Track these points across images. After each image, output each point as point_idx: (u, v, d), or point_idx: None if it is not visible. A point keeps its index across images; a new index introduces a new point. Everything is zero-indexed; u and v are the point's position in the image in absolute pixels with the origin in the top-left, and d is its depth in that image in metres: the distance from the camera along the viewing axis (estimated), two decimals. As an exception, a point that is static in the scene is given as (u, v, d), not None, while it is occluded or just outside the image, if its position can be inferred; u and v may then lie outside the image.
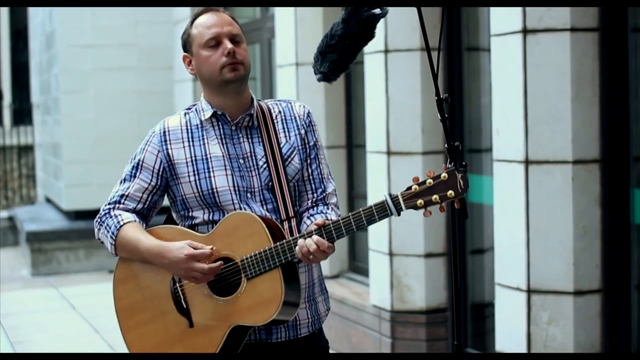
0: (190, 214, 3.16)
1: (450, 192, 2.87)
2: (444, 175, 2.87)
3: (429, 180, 2.90)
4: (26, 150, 16.51)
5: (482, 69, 6.00)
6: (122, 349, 7.57)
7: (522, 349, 5.06)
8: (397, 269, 6.28)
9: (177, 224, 3.24)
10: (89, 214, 11.58)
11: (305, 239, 2.96)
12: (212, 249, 3.04)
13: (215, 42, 3.10)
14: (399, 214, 2.92)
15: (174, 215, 3.27)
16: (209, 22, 3.12)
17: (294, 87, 7.49)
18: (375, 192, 6.39)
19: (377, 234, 6.41)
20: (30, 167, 16.42)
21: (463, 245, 6.04)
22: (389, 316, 6.34)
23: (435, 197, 2.88)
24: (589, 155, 4.95)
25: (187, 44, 3.18)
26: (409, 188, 2.92)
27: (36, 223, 11.94)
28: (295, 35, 7.42)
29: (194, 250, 3.01)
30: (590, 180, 4.95)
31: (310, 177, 3.23)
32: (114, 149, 11.55)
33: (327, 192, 3.24)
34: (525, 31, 4.93)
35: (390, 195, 2.93)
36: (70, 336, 7.97)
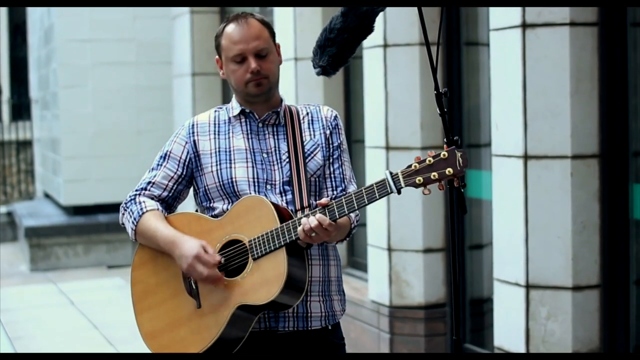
0: (211, 204, 3.25)
1: (449, 170, 2.91)
2: (443, 153, 2.92)
3: (429, 159, 2.93)
4: (25, 145, 16.49)
5: (481, 64, 6.00)
6: (121, 344, 7.57)
7: (520, 344, 5.06)
8: (395, 264, 6.28)
9: None
10: (88, 209, 11.60)
11: (308, 217, 3.02)
12: (220, 259, 3.12)
13: (240, 59, 3.18)
14: (399, 192, 2.96)
15: (197, 209, 3.35)
16: (235, 36, 3.18)
17: (293, 82, 7.48)
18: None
19: (375, 229, 6.40)
20: (29, 162, 16.41)
21: (462, 241, 6.04)
22: (388, 311, 6.34)
23: (434, 174, 2.92)
24: (588, 150, 4.94)
25: (218, 49, 3.27)
26: (409, 166, 2.95)
27: (35, 218, 11.93)
28: (294, 30, 7.41)
29: (203, 252, 3.10)
30: (589, 175, 4.95)
31: (332, 176, 3.30)
32: (112, 144, 11.55)
33: (348, 192, 3.26)
34: (524, 26, 4.93)
35: (390, 172, 2.95)
36: (68, 332, 7.96)
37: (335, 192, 3.28)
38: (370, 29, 3.10)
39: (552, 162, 4.93)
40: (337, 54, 3.12)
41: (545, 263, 4.97)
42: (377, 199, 2.99)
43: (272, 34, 3.26)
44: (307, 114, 3.32)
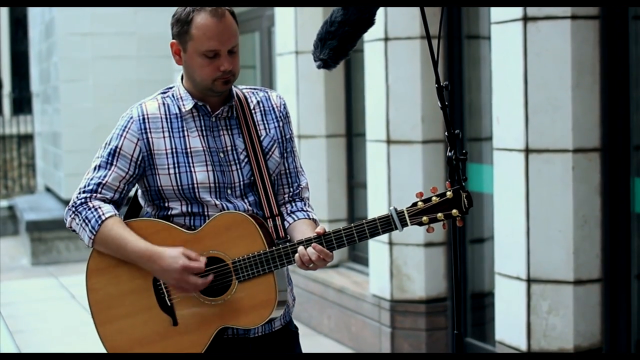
0: (165, 204, 3.08)
1: (455, 211, 2.90)
2: (449, 193, 2.89)
3: (434, 198, 2.91)
4: (26, 139, 16.49)
5: (482, 57, 5.98)
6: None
7: (522, 338, 5.05)
8: (396, 258, 6.27)
9: (140, 209, 3.18)
10: (89, 203, 11.57)
11: (305, 247, 2.94)
12: (204, 263, 2.97)
13: (213, 55, 2.99)
14: (402, 229, 2.94)
15: (142, 202, 3.18)
16: (211, 31, 2.97)
17: (294, 75, 7.47)
18: (375, 181, 6.37)
19: (376, 223, 6.39)
20: (30, 156, 16.41)
21: (463, 235, 6.03)
22: (389, 305, 6.34)
23: (439, 215, 2.91)
24: (589, 143, 4.93)
25: (181, 35, 3.05)
26: (414, 204, 2.92)
27: (36, 212, 11.93)
28: (295, 23, 7.40)
29: (189, 261, 2.95)
30: (590, 169, 4.94)
31: (287, 171, 3.20)
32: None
33: (302, 187, 3.23)
34: (525, 19, 4.91)
35: (395, 210, 2.92)
36: (70, 325, 7.96)
37: (291, 189, 3.19)
38: (371, 22, 3.08)
39: (554, 156, 4.92)
40: (338, 47, 3.09)
41: (547, 257, 4.97)
42: (380, 234, 2.95)
43: (238, 26, 3.08)
44: (258, 102, 3.16)
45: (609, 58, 4.90)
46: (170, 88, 3.17)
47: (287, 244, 2.97)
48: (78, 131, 11.64)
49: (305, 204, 3.21)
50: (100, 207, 3.04)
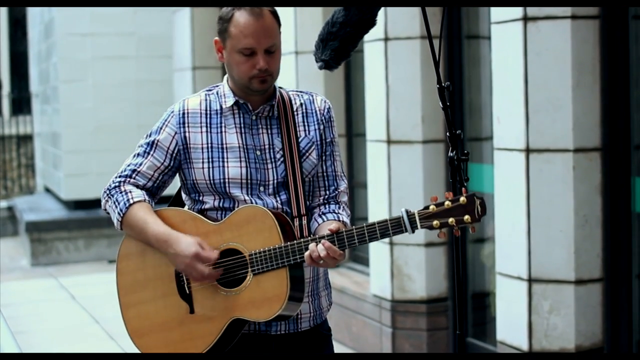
0: (200, 198, 3.15)
1: (467, 217, 2.86)
2: (462, 199, 2.86)
3: (447, 202, 2.88)
4: (25, 139, 16.49)
5: (483, 57, 5.98)
6: (122, 339, 7.55)
7: (523, 338, 5.05)
8: (397, 258, 6.27)
9: (184, 204, 3.26)
10: (89, 204, 11.59)
11: (317, 243, 2.96)
12: (217, 255, 3.03)
13: (249, 52, 3.04)
14: (413, 232, 2.91)
15: (183, 196, 3.26)
16: (248, 28, 3.02)
17: (294, 76, 7.47)
18: (376, 181, 6.37)
19: (377, 223, 6.39)
20: (30, 156, 16.40)
21: (464, 235, 6.03)
22: (390, 306, 6.33)
23: (451, 220, 2.87)
24: (589, 143, 4.93)
25: (222, 33, 3.09)
26: (427, 207, 2.90)
27: (35, 213, 11.93)
28: (295, 24, 7.40)
29: (201, 250, 3.01)
30: (591, 169, 4.94)
31: (325, 174, 3.22)
32: (113, 138, 11.54)
33: (340, 190, 3.24)
34: (525, 19, 4.91)
35: (407, 212, 2.91)
36: (70, 326, 7.96)
37: (328, 192, 3.21)
38: (372, 23, 3.08)
39: (554, 156, 4.91)
40: (340, 47, 3.09)
41: (548, 257, 4.97)
42: (391, 236, 2.94)
43: (280, 26, 3.13)
44: (301, 104, 3.20)
45: (609, 58, 4.90)
46: (217, 86, 3.23)
47: (302, 240, 3.00)
48: (77, 131, 11.64)
49: (339, 207, 3.22)
50: (131, 192, 3.15)
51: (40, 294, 9.54)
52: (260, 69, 3.04)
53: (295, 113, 3.19)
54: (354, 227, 2.97)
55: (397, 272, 6.28)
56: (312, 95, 3.25)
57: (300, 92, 3.26)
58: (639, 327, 4.98)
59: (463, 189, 2.89)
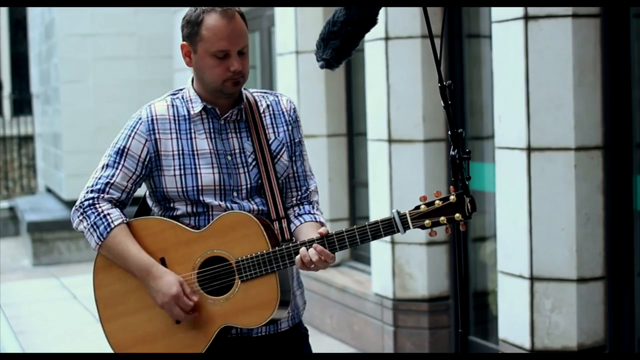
0: (171, 205, 3.10)
1: (458, 215, 2.87)
2: (452, 197, 2.88)
3: (437, 202, 2.89)
4: (26, 140, 16.49)
5: (484, 56, 5.98)
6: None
7: (525, 336, 5.05)
8: (399, 257, 6.27)
9: (150, 211, 3.19)
10: (90, 204, 11.57)
11: (307, 247, 2.94)
12: (196, 300, 2.99)
13: (223, 55, 3.00)
14: (404, 232, 2.92)
15: (149, 202, 3.19)
16: (222, 31, 2.97)
17: (294, 76, 7.47)
18: (377, 180, 6.37)
19: (378, 222, 6.39)
20: (31, 157, 16.41)
21: (465, 233, 6.02)
22: (391, 304, 6.33)
23: (442, 218, 2.89)
24: (591, 141, 4.93)
25: (191, 36, 3.03)
26: (417, 207, 2.91)
27: (37, 213, 11.94)
28: (295, 23, 7.40)
29: (182, 294, 2.97)
30: (592, 167, 4.94)
31: (295, 175, 3.20)
32: (114, 138, 11.52)
33: (310, 190, 3.23)
34: (526, 17, 4.91)
35: (398, 212, 2.91)
36: (71, 326, 7.96)
37: (299, 192, 3.19)
38: (373, 22, 3.08)
39: (556, 154, 4.91)
40: (341, 46, 3.09)
41: (550, 255, 4.96)
42: (382, 237, 2.94)
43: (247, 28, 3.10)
44: (268, 106, 3.17)
45: (610, 56, 4.90)
46: (181, 90, 3.17)
47: (290, 244, 2.97)
48: (78, 132, 11.65)
49: (313, 207, 3.20)
50: (109, 214, 3.06)
51: (42, 294, 9.54)
52: (235, 71, 3.00)
53: (263, 115, 3.16)
54: (344, 229, 2.95)
55: (398, 270, 6.28)
56: (278, 96, 3.22)
57: (265, 92, 3.23)
58: (641, 325, 4.98)
59: (451, 187, 2.90)
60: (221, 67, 3.00)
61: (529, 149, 4.95)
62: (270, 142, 3.13)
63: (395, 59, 6.14)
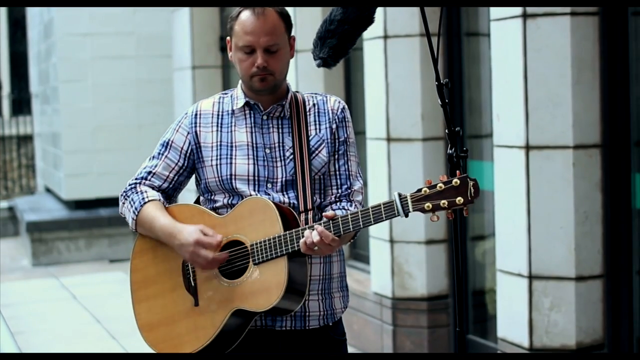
0: (212, 197, 3.20)
1: (460, 199, 2.86)
2: (455, 181, 2.86)
3: (440, 185, 2.88)
4: (25, 140, 16.48)
5: (482, 54, 5.98)
6: (123, 338, 7.55)
7: (524, 335, 5.05)
8: (398, 256, 6.27)
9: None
10: (89, 204, 11.60)
11: (311, 230, 2.97)
12: (221, 239, 3.07)
13: (249, 50, 3.10)
14: (406, 215, 2.91)
15: (201, 199, 3.30)
16: (248, 26, 3.08)
17: (293, 74, 7.46)
18: (376, 179, 6.37)
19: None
20: (30, 157, 16.40)
21: (464, 232, 6.03)
22: (390, 303, 6.33)
23: (443, 202, 2.87)
24: (589, 140, 4.93)
25: (229, 31, 3.17)
26: (419, 190, 2.90)
27: (36, 213, 11.93)
28: (294, 22, 7.38)
29: (203, 236, 3.06)
30: (591, 165, 4.94)
31: (337, 173, 3.22)
32: (113, 138, 11.55)
33: (353, 189, 3.23)
34: (525, 15, 4.91)
35: (399, 195, 2.91)
36: (71, 326, 7.96)
37: (340, 190, 3.21)
38: (370, 20, 3.08)
39: (554, 153, 4.91)
40: (338, 45, 3.10)
41: (548, 253, 4.96)
42: (384, 220, 2.94)
43: (289, 27, 3.17)
44: (314, 105, 3.23)
45: (609, 54, 4.89)
46: (232, 90, 3.29)
47: (300, 228, 3.02)
48: (77, 131, 11.63)
49: (351, 205, 3.21)
50: (145, 191, 3.22)
51: (42, 294, 9.54)
52: (258, 67, 3.08)
53: (308, 113, 3.22)
54: (349, 212, 2.99)
55: (397, 269, 6.28)
56: (326, 97, 3.28)
57: (315, 94, 3.30)
58: (639, 324, 4.98)
59: (457, 171, 2.89)
60: (248, 62, 3.11)
61: (528, 147, 4.95)
62: (310, 138, 3.19)
63: (394, 58, 6.14)
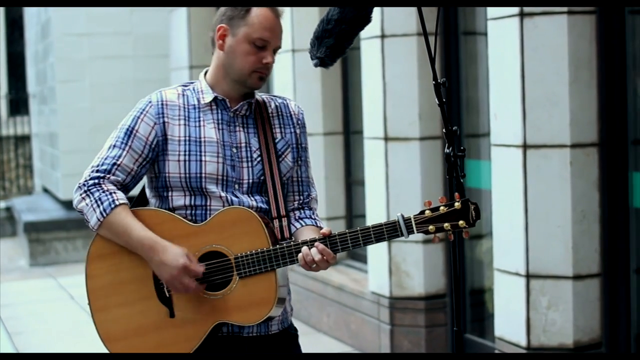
0: (168, 195, 3.08)
1: (462, 222, 2.89)
2: (457, 204, 2.89)
3: (442, 208, 2.90)
4: (23, 140, 16.48)
5: (479, 53, 5.98)
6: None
7: (521, 334, 5.05)
8: (395, 255, 6.27)
9: (148, 203, 3.17)
10: (87, 204, 11.57)
11: (309, 247, 2.94)
12: (203, 269, 2.97)
13: (262, 44, 3.04)
14: (408, 236, 2.93)
15: (148, 193, 3.17)
16: (269, 22, 3.05)
17: (290, 74, 7.46)
18: (373, 178, 6.37)
19: (374, 220, 6.39)
20: (27, 157, 16.40)
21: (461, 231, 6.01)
22: (388, 303, 6.33)
23: (446, 225, 2.90)
24: (587, 138, 4.93)
25: (234, 19, 3.06)
26: (422, 212, 2.92)
27: (34, 213, 11.93)
28: (291, 22, 7.39)
29: (189, 262, 2.95)
30: (588, 164, 4.94)
31: (299, 179, 3.21)
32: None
33: (312, 197, 3.24)
34: (522, 14, 4.91)
35: (403, 216, 2.92)
36: (69, 326, 7.95)
37: (301, 197, 3.19)
38: (367, 19, 3.07)
39: (551, 151, 4.91)
40: (335, 45, 3.09)
41: (546, 252, 4.96)
42: (385, 240, 2.95)
43: None
44: (276, 107, 3.19)
45: (606, 53, 4.89)
46: (192, 83, 3.19)
47: (292, 243, 2.97)
48: (75, 131, 11.64)
49: (313, 213, 3.22)
50: (115, 192, 3.03)
51: (39, 294, 9.53)
52: (267, 64, 3.05)
53: (271, 115, 3.17)
54: (347, 230, 2.96)
55: (395, 269, 6.28)
56: (286, 100, 3.25)
57: (274, 96, 3.25)
58: (637, 322, 4.98)
59: (456, 194, 2.90)
60: (255, 57, 3.04)
61: (525, 146, 4.95)
62: (276, 140, 3.14)
63: (391, 57, 6.14)
